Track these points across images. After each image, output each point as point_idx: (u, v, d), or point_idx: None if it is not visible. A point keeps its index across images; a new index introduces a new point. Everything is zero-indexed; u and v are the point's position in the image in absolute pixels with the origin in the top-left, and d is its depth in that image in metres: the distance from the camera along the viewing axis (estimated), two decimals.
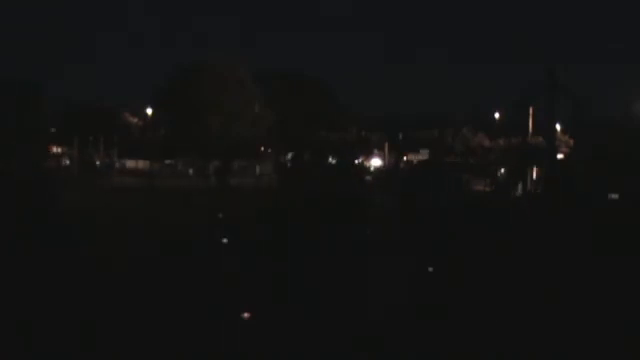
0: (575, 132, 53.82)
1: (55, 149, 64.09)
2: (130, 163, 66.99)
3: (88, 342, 8.20)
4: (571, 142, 55.87)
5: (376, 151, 71.68)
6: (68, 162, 59.15)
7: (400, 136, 72.68)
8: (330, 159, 58.18)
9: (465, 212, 23.80)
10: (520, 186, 40.57)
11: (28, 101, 48.93)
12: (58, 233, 17.07)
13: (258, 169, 60.30)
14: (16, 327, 8.71)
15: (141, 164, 64.74)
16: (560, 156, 51.27)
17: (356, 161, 60.24)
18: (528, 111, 51.70)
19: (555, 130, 55.97)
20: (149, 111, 69.42)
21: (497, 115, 68.16)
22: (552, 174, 37.35)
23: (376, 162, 69.06)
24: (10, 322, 8.95)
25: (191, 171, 62.35)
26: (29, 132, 44.82)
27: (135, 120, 75.05)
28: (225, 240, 16.84)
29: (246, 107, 57.91)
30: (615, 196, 27.01)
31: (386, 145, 69.05)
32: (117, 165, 62.71)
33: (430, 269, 13.49)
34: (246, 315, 9.36)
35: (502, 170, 49.48)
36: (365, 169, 56.83)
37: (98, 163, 59.20)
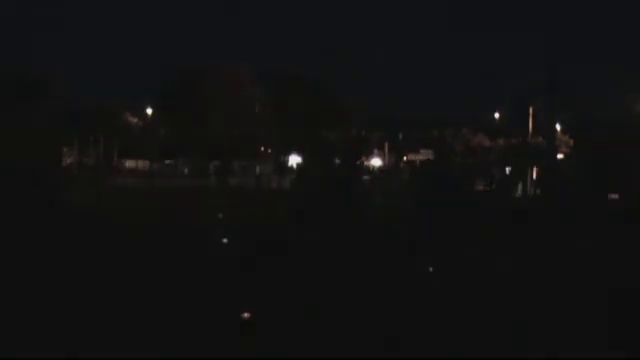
0: (575, 132, 53.90)
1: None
2: (130, 163, 67.01)
3: (90, 340, 8.21)
4: (571, 142, 55.91)
5: (376, 151, 71.67)
6: (69, 161, 59.14)
7: (400, 136, 72.67)
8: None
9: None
10: (520, 186, 40.59)
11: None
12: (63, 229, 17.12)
13: (258, 169, 60.33)
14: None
15: (141, 164, 64.77)
16: (560, 156, 51.31)
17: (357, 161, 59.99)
18: (528, 111, 51.74)
19: (555, 130, 56.03)
20: (149, 111, 69.43)
21: (497, 115, 68.16)
22: (549, 175, 37.35)
23: (376, 162, 69.05)
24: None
25: (186, 170, 62.35)
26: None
27: (135, 120, 75.04)
28: (225, 240, 16.86)
29: (246, 107, 57.97)
30: (615, 196, 27.05)
31: (386, 145, 69.05)
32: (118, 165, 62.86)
33: (430, 269, 13.50)
34: (246, 315, 9.37)
35: (502, 170, 49.49)
36: (364, 169, 56.72)
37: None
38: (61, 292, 10.66)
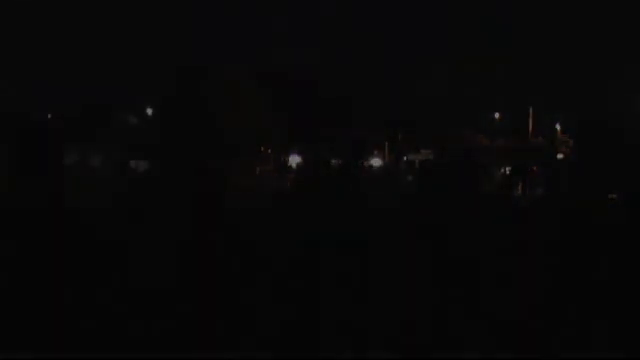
0: (574, 131, 53.95)
1: None
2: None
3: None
4: (571, 142, 55.96)
5: (376, 152, 71.73)
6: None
7: (400, 136, 72.72)
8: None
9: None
10: (520, 186, 40.56)
11: None
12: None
13: (258, 169, 60.38)
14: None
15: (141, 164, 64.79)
16: (560, 156, 51.40)
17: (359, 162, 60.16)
18: (528, 111, 51.86)
19: (555, 130, 56.16)
20: (149, 111, 69.52)
21: (497, 115, 68.23)
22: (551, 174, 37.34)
23: (376, 162, 69.10)
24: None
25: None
26: None
27: (135, 120, 75.11)
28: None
29: (246, 107, 58.08)
30: (613, 196, 27.06)
31: (386, 145, 69.12)
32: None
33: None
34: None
35: (502, 170, 49.51)
36: (363, 169, 56.74)
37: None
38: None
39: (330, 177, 25.56)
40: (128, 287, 11.04)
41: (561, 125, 58.14)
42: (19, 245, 13.91)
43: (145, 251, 13.79)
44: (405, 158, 68.76)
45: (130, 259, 13.26)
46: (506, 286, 12.13)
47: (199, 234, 15.69)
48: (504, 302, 10.98)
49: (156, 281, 11.49)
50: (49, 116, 64.31)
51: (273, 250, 15.06)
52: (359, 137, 71.93)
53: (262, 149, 66.47)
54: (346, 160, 53.98)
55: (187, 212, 17.96)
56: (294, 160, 65.16)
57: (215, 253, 14.09)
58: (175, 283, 11.29)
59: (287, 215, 20.69)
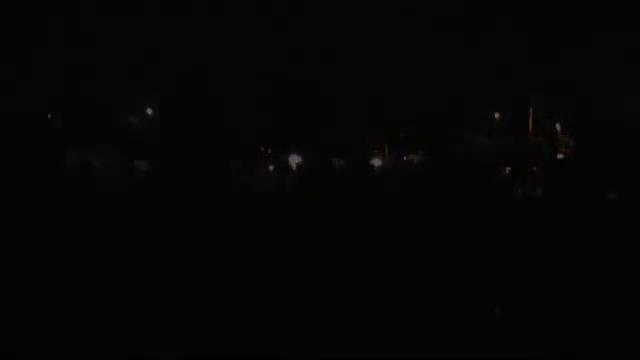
0: (574, 131, 53.97)
1: None
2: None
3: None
4: (570, 142, 55.94)
5: (376, 152, 71.65)
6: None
7: (400, 136, 72.64)
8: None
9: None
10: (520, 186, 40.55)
11: None
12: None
13: (258, 170, 60.41)
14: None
15: (142, 164, 64.76)
16: (560, 156, 51.41)
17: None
18: (528, 111, 51.85)
19: (555, 130, 56.16)
20: (149, 111, 69.51)
21: (497, 115, 68.19)
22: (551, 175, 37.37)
23: (376, 162, 69.06)
24: None
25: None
26: None
27: (135, 120, 75.04)
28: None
29: (247, 107, 58.22)
30: (613, 196, 27.10)
31: (386, 145, 69.06)
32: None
33: None
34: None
35: (502, 170, 49.46)
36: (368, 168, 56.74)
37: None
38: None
39: (341, 177, 25.57)
40: (130, 288, 11.08)
41: (561, 125, 58.13)
42: (20, 246, 13.94)
43: (148, 251, 13.82)
44: (405, 158, 68.70)
45: (132, 259, 13.29)
46: (505, 286, 12.15)
47: (201, 233, 15.72)
48: (503, 302, 11.02)
49: (158, 282, 11.52)
50: (49, 116, 64.26)
51: (274, 250, 15.08)
52: (359, 137, 71.90)
53: (262, 149, 66.54)
54: (354, 159, 53.89)
55: (188, 212, 18.01)
56: (294, 160, 65.17)
57: (218, 253, 14.12)
58: (177, 283, 11.33)
59: (289, 215, 20.73)
